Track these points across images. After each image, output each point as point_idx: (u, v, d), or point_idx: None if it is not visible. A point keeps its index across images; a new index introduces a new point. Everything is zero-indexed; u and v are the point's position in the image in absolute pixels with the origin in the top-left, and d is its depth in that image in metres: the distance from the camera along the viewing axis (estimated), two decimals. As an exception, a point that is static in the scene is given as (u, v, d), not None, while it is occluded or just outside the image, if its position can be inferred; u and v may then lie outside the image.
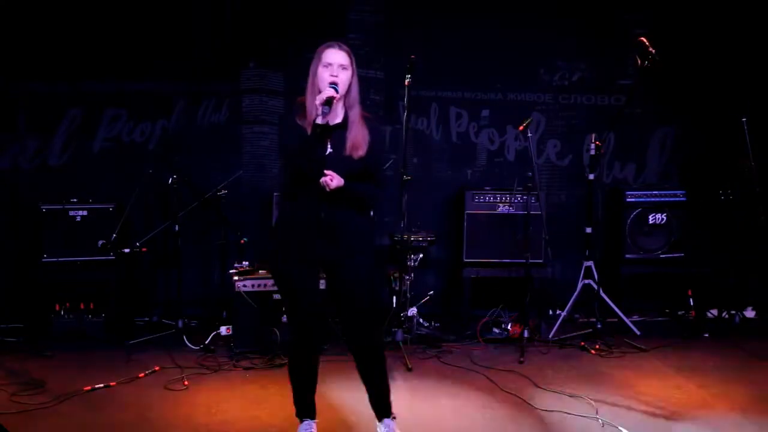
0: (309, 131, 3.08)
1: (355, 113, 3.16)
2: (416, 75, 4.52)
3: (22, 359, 4.55)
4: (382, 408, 3.39)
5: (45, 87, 5.45)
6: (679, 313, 5.74)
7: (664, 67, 4.82)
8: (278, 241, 3.23)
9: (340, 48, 3.15)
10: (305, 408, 3.44)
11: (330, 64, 3.11)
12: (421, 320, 5.14)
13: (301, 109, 3.15)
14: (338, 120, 3.16)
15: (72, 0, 5.38)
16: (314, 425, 3.42)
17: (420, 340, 4.99)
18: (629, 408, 3.83)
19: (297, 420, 3.47)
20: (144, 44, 5.47)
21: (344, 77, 3.12)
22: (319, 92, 3.09)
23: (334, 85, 3.07)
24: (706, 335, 5.20)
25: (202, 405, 3.85)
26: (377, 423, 3.41)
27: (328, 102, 3.02)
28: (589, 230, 5.22)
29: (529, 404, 3.87)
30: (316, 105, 3.05)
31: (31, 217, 5.18)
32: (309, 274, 3.22)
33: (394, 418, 3.41)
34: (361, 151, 3.13)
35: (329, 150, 3.13)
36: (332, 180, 3.02)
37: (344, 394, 4.05)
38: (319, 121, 3.06)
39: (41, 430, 3.54)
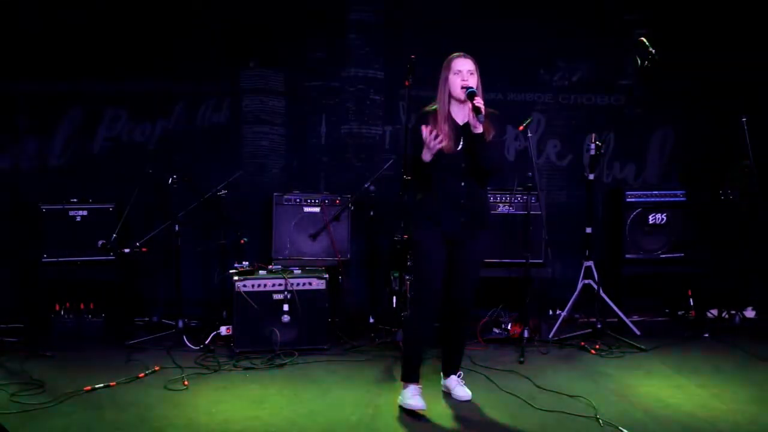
0: (445, 132, 3.58)
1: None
2: (416, 75, 4.52)
3: (22, 359, 4.55)
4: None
5: (45, 87, 5.45)
6: (679, 313, 5.74)
7: (664, 67, 4.83)
8: (423, 222, 3.72)
9: (466, 56, 3.70)
10: (416, 374, 3.83)
11: (460, 71, 3.64)
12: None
13: (430, 115, 3.66)
14: (467, 119, 3.63)
15: (72, 0, 5.39)
16: (420, 389, 3.80)
17: (420, 340, 4.98)
18: (629, 408, 3.83)
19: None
20: (144, 44, 5.47)
21: (473, 81, 3.63)
22: (451, 96, 3.65)
23: (471, 88, 3.56)
24: (706, 335, 5.20)
25: (202, 405, 3.85)
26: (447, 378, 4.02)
27: (478, 110, 3.47)
28: (589, 230, 5.22)
29: (529, 404, 3.87)
30: (471, 115, 3.53)
31: (31, 217, 5.18)
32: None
33: (460, 374, 4.03)
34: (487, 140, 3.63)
35: (461, 145, 3.67)
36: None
37: (345, 393, 4.04)
38: (477, 128, 3.56)
39: (41, 430, 3.53)
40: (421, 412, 3.69)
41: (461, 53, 3.71)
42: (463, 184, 3.68)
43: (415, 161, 3.69)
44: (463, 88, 3.60)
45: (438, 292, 3.73)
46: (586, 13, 5.82)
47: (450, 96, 3.67)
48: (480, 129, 3.56)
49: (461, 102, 3.65)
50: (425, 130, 3.51)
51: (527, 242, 5.14)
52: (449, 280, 3.80)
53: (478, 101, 3.52)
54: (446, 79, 3.67)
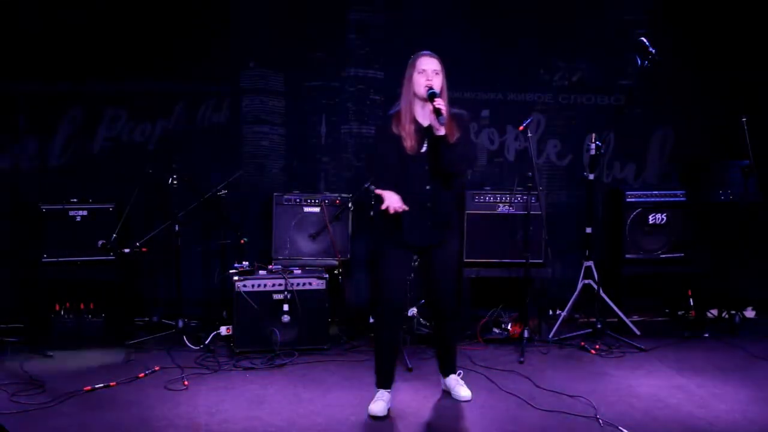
0: (408, 133, 3.54)
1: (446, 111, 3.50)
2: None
3: (22, 359, 4.56)
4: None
5: (45, 87, 5.45)
6: (679, 313, 5.73)
7: (664, 66, 4.83)
8: (386, 231, 3.67)
9: (432, 55, 3.61)
10: (384, 380, 3.84)
11: (424, 70, 3.55)
12: (421, 320, 5.13)
13: (393, 118, 3.60)
14: (429, 122, 3.57)
15: (72, 0, 5.39)
16: (388, 393, 3.82)
17: (420, 340, 4.98)
18: (629, 408, 3.83)
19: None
20: (144, 44, 5.47)
21: (438, 81, 3.54)
22: (414, 95, 3.56)
23: (432, 90, 3.47)
24: (706, 335, 5.20)
25: (202, 405, 3.85)
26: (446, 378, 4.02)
27: (438, 112, 3.40)
28: (589, 230, 5.22)
29: (529, 404, 3.87)
30: (432, 116, 3.47)
31: (31, 217, 5.18)
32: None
33: (460, 373, 4.05)
34: (452, 141, 3.54)
35: (425, 148, 3.59)
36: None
37: (345, 393, 4.05)
38: (439, 130, 3.47)
39: (41, 430, 3.54)
40: (378, 417, 3.68)
41: (427, 52, 3.63)
42: (428, 187, 3.62)
43: (377, 165, 3.69)
44: (426, 87, 3.52)
45: (399, 301, 3.74)
46: (586, 13, 5.82)
47: (414, 95, 3.59)
48: (442, 131, 3.47)
49: (425, 102, 3.55)
50: (386, 200, 3.48)
51: (527, 242, 5.14)
52: (427, 285, 3.81)
53: (439, 103, 3.43)
54: (411, 77, 3.59)
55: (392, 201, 3.50)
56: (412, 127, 3.59)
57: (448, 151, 3.53)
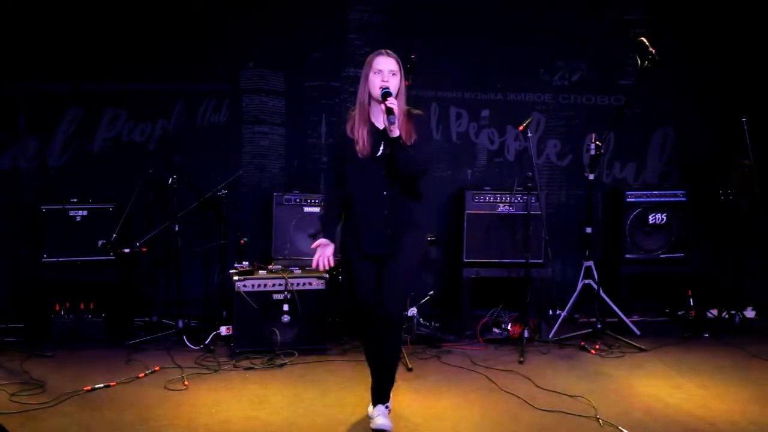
0: (361, 136, 3.40)
1: (402, 112, 3.38)
2: (416, 75, 4.52)
3: (22, 359, 4.55)
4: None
5: (45, 87, 5.45)
6: (679, 313, 5.74)
7: (664, 66, 4.84)
8: (348, 241, 3.54)
9: (389, 55, 3.44)
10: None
11: (380, 71, 3.38)
12: (421, 320, 5.13)
13: (350, 120, 3.48)
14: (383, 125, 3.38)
15: (72, 0, 5.39)
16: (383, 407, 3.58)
17: (420, 340, 4.99)
18: (629, 408, 3.83)
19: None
20: (144, 44, 5.47)
21: (394, 82, 3.37)
22: (370, 95, 3.41)
23: (386, 89, 3.30)
24: (706, 335, 5.20)
25: (202, 405, 3.85)
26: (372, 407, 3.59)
27: (390, 111, 3.24)
28: (589, 230, 5.22)
29: (529, 404, 3.87)
30: (384, 117, 3.29)
31: (31, 217, 5.18)
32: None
33: (388, 407, 3.61)
34: (408, 144, 3.35)
35: (381, 150, 3.41)
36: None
37: (345, 393, 4.05)
38: (392, 131, 3.28)
39: (41, 430, 3.54)
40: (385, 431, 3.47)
41: (384, 51, 3.45)
42: (385, 192, 3.42)
43: (329, 175, 3.64)
44: (380, 88, 3.33)
45: (372, 309, 3.48)
46: (586, 13, 5.82)
47: (369, 96, 3.42)
48: (396, 133, 3.25)
49: (380, 103, 3.33)
50: (316, 258, 3.51)
51: (527, 242, 5.14)
52: (378, 293, 3.46)
53: (391, 102, 3.24)
54: (366, 77, 3.42)
55: (323, 253, 3.51)
56: (365, 130, 3.42)
57: (404, 154, 3.30)
